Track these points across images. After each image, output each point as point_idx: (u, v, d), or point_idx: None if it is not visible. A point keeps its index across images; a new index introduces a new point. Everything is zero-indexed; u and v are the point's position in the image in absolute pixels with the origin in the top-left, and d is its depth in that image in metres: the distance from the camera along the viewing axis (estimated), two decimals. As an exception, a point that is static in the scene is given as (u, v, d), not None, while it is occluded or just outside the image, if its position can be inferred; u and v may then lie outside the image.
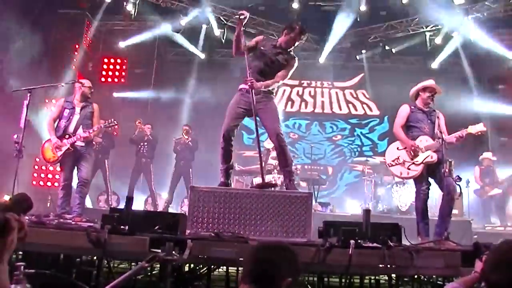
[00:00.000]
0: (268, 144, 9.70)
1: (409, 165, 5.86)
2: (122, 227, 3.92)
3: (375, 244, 3.82)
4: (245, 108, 5.51)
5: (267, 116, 5.46)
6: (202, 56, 13.79)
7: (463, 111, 10.95)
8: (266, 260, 2.17)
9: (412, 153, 5.85)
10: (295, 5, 12.10)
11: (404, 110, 6.10)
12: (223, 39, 12.96)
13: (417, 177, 5.86)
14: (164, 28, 12.75)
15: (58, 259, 4.26)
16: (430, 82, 6.09)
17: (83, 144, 6.77)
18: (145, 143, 10.71)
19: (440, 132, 5.76)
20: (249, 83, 5.36)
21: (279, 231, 4.66)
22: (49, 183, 11.13)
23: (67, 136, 6.69)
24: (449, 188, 5.59)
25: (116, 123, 7.12)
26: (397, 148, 6.03)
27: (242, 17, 5.46)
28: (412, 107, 6.07)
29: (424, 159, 5.78)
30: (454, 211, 9.20)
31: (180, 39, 13.21)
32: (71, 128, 6.77)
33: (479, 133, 5.89)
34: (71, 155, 6.70)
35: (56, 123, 6.86)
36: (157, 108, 13.22)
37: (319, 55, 13.68)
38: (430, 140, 5.83)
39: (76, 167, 6.80)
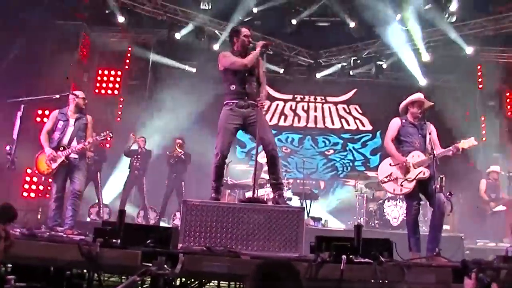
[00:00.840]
0: (261, 158, 9.72)
1: (402, 182, 5.86)
2: (114, 240, 3.92)
3: (366, 260, 3.83)
4: (237, 123, 5.51)
5: (260, 128, 5.45)
6: (194, 70, 13.87)
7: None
8: (271, 277, 2.17)
9: (404, 170, 5.88)
10: (291, 21, 12.19)
11: (395, 124, 6.12)
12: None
13: (409, 193, 5.89)
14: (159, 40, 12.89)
15: (49, 272, 4.24)
16: (417, 96, 6.12)
17: (76, 156, 6.73)
18: (139, 156, 10.70)
19: (431, 147, 5.79)
20: (261, 106, 5.45)
21: (271, 245, 4.66)
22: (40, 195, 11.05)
23: (61, 148, 6.66)
24: (440, 203, 5.62)
25: (111, 135, 7.09)
26: (390, 164, 6.03)
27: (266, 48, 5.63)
28: (403, 121, 6.09)
29: (417, 175, 5.79)
30: (446, 227, 9.29)
31: (174, 52, 13.29)
32: (65, 140, 6.74)
33: (471, 147, 5.95)
34: (64, 167, 6.68)
35: (50, 134, 6.85)
36: (151, 120, 13.21)
37: (313, 70, 13.79)
38: (422, 156, 5.84)
39: (69, 179, 6.78)
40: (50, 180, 7.47)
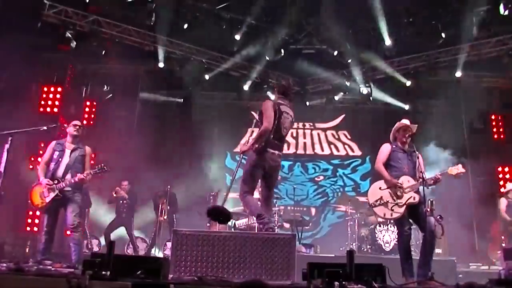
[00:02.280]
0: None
1: (393, 206, 5.88)
2: (103, 272, 3.86)
3: (359, 286, 3.80)
4: None
5: None
6: (180, 100, 13.95)
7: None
8: None
9: (395, 193, 5.89)
10: (278, 49, 12.32)
11: (385, 148, 6.19)
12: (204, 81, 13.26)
13: (399, 218, 5.89)
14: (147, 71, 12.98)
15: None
16: (401, 123, 6.21)
17: (70, 188, 6.57)
18: (124, 202, 10.56)
19: (421, 172, 5.82)
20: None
21: (263, 273, 4.63)
22: (28, 228, 10.87)
23: (56, 181, 6.51)
24: (430, 228, 5.63)
25: (105, 168, 6.85)
26: (380, 188, 6.05)
27: None
28: (394, 146, 6.16)
29: (407, 200, 5.82)
30: (438, 251, 9.27)
31: (162, 81, 13.33)
32: (60, 172, 6.62)
33: (459, 174, 5.99)
34: (57, 200, 6.53)
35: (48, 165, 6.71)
36: (140, 151, 13.16)
37: (301, 97, 13.90)
38: (412, 181, 5.89)
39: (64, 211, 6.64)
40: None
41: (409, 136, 6.08)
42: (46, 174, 6.64)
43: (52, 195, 6.47)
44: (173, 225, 10.26)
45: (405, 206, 5.82)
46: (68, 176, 6.58)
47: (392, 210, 5.87)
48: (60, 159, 6.68)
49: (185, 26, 11.59)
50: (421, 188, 5.71)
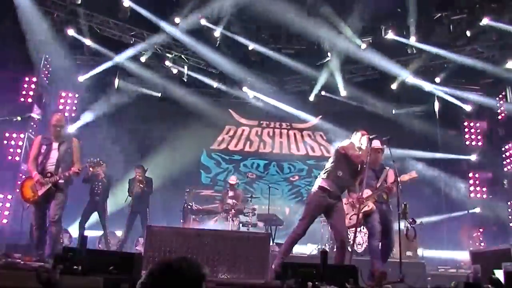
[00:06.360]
0: (231, 180, 10.77)
1: (351, 216, 6.35)
2: (75, 267, 3.80)
3: (332, 286, 3.83)
4: (321, 212, 6.25)
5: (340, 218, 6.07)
6: (158, 94, 13.81)
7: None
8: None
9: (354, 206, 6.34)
10: (256, 47, 12.31)
11: None
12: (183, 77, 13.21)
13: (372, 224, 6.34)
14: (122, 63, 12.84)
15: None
16: (374, 146, 6.46)
17: (62, 180, 6.44)
18: (99, 183, 10.37)
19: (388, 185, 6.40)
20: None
21: (236, 271, 4.62)
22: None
23: (49, 175, 6.37)
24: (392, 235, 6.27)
25: (102, 162, 6.75)
26: (344, 203, 6.37)
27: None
28: (364, 166, 6.40)
29: (362, 209, 6.27)
30: (409, 253, 9.40)
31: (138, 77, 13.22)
32: (50, 166, 6.46)
33: (410, 180, 6.47)
34: (46, 193, 6.39)
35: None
36: (114, 143, 13.01)
37: (278, 97, 13.93)
38: (369, 192, 6.37)
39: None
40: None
41: (379, 158, 6.58)
42: (37, 168, 6.47)
43: (45, 188, 6.32)
44: (146, 220, 10.13)
45: (360, 214, 6.20)
46: (60, 170, 6.43)
47: (350, 219, 6.34)
48: (48, 153, 6.51)
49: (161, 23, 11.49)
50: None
